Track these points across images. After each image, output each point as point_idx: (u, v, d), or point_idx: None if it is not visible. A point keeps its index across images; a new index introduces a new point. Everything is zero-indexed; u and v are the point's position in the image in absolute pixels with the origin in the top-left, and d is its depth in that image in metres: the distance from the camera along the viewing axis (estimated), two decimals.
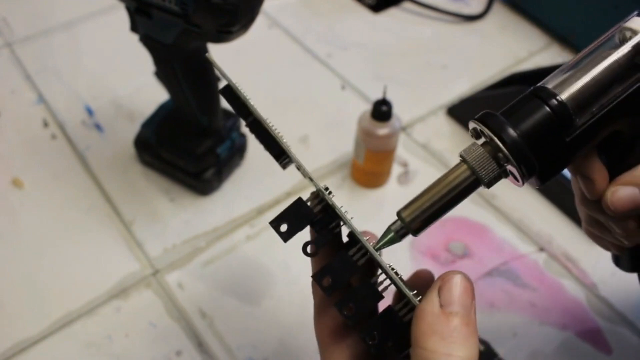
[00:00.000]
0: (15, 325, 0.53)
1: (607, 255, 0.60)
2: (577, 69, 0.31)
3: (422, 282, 0.35)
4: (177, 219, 0.62)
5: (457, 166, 0.32)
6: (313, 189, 0.32)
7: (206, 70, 0.56)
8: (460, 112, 0.72)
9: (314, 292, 0.34)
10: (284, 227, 0.30)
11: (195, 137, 0.60)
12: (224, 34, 0.48)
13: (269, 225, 0.31)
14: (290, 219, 0.30)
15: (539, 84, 0.31)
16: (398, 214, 0.32)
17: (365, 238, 0.30)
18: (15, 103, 0.73)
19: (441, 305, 0.26)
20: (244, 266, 0.58)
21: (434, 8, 0.87)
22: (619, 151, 0.33)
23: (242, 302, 0.56)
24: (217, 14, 0.45)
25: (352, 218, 0.31)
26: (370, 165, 0.62)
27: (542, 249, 0.60)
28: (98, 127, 0.70)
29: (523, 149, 0.29)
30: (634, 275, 0.40)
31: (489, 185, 0.31)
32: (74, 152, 0.67)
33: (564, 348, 0.53)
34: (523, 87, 0.63)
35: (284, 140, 0.32)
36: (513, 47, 0.83)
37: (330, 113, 0.73)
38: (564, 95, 0.30)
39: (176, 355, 0.52)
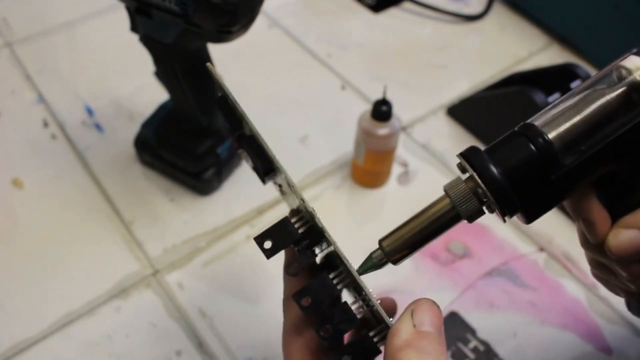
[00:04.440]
0: (15, 325, 0.53)
1: None
2: (569, 107, 0.30)
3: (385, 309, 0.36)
4: (177, 219, 0.62)
5: (439, 200, 0.32)
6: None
7: (206, 70, 0.56)
8: (460, 112, 0.72)
9: (285, 312, 0.34)
10: (267, 244, 0.31)
11: (195, 137, 0.60)
12: (224, 34, 0.48)
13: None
14: (275, 237, 0.31)
15: (528, 121, 0.31)
16: (379, 242, 0.33)
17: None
18: (15, 103, 0.73)
19: (414, 325, 0.28)
20: (244, 266, 0.58)
21: (434, 8, 0.87)
22: (617, 192, 0.32)
23: (242, 302, 0.56)
24: (217, 14, 0.45)
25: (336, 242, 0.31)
26: (370, 165, 0.62)
27: (542, 249, 0.60)
28: (98, 127, 0.70)
29: (503, 188, 0.29)
30: None
31: (470, 220, 0.32)
32: (74, 152, 0.67)
33: (564, 348, 0.53)
34: (523, 87, 0.63)
35: (276, 158, 0.33)
36: (513, 47, 0.83)
37: (330, 113, 0.73)
38: (551, 134, 0.30)
39: (176, 355, 0.52)
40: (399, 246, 0.32)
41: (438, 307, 0.29)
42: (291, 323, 0.33)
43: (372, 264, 0.33)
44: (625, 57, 0.31)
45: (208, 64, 0.35)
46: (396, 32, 0.85)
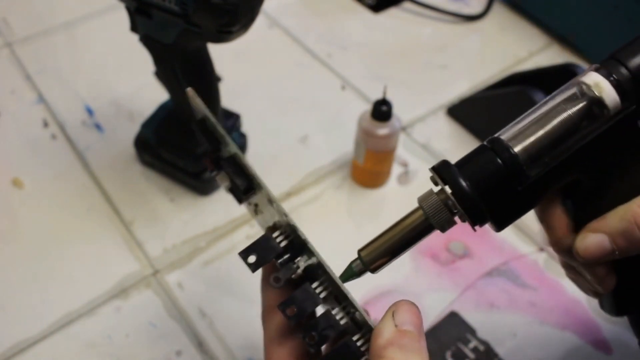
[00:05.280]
0: (15, 325, 0.53)
1: None
2: (533, 120, 0.32)
3: None
4: (177, 219, 0.62)
5: (413, 211, 0.34)
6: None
7: (206, 71, 0.56)
8: (460, 112, 0.72)
9: (265, 324, 0.35)
10: (252, 259, 0.33)
11: (195, 137, 0.60)
12: (224, 34, 0.48)
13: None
14: (259, 252, 0.33)
15: (495, 135, 0.33)
16: (358, 252, 0.35)
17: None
18: (15, 103, 0.73)
19: (396, 325, 0.30)
20: (244, 266, 0.58)
21: (434, 8, 0.87)
22: (583, 198, 0.34)
23: (243, 302, 0.56)
24: (217, 14, 0.45)
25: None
26: (370, 165, 0.62)
27: (542, 249, 0.60)
28: (98, 127, 0.70)
29: (471, 199, 0.31)
30: None
31: (442, 230, 0.33)
32: (74, 152, 0.67)
33: (564, 348, 0.54)
34: (523, 87, 0.63)
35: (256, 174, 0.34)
36: (513, 47, 0.83)
37: (330, 113, 0.73)
38: (517, 148, 0.31)
39: (176, 355, 0.52)
40: (376, 256, 0.34)
41: (417, 307, 0.31)
42: (274, 333, 0.34)
43: (352, 272, 0.35)
44: (586, 73, 0.32)
45: (188, 89, 0.36)
46: (396, 32, 0.85)
